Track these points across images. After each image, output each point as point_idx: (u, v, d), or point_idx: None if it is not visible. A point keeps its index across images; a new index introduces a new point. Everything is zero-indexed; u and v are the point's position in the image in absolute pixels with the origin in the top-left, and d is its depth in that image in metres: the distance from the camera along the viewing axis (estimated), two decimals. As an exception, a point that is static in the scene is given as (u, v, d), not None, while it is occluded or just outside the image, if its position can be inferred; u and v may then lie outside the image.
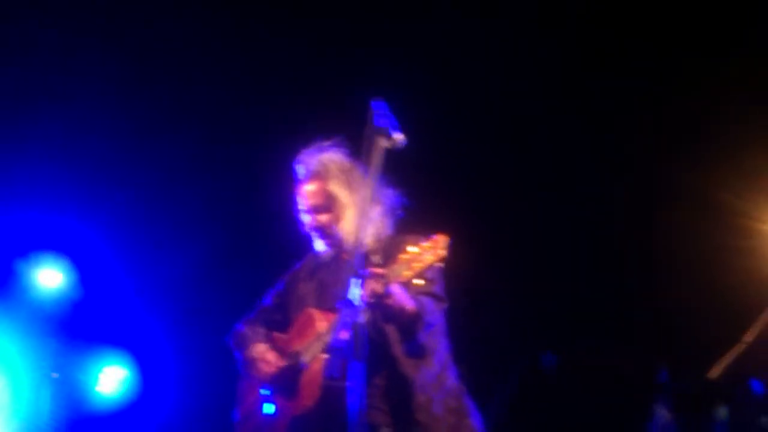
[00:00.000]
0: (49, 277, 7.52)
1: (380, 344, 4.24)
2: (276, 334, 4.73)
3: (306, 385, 4.32)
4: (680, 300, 6.67)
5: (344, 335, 3.73)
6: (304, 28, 7.39)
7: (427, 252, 4.00)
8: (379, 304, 4.02)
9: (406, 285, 4.08)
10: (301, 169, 4.70)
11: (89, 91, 7.42)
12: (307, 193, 4.65)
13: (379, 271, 4.02)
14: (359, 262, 3.80)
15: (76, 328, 7.59)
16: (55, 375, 7.34)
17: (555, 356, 6.57)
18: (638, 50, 7.05)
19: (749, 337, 5.25)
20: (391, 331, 4.26)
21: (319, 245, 4.68)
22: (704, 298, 6.65)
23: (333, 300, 4.24)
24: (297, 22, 7.39)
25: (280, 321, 4.78)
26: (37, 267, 7.51)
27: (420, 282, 4.08)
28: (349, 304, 3.74)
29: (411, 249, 4.02)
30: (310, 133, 7.36)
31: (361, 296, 3.82)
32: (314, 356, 4.29)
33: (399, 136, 3.95)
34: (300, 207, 4.70)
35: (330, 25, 7.32)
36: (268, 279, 7.64)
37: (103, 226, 7.56)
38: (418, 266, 4.00)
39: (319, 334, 4.33)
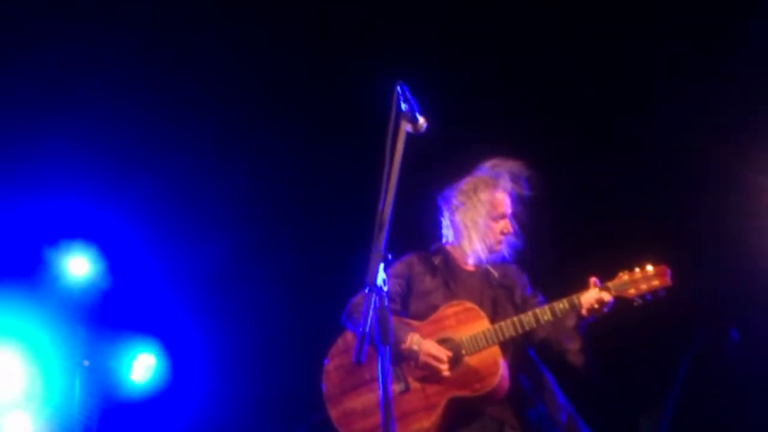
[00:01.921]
0: (78, 266, 7.57)
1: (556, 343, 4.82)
2: (411, 321, 4.89)
3: (471, 373, 4.67)
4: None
5: (372, 320, 3.76)
6: (324, 13, 7.38)
7: (654, 278, 4.66)
8: (599, 311, 4.67)
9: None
10: (524, 185, 5.09)
11: (119, 81, 7.44)
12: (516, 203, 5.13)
13: (610, 283, 4.69)
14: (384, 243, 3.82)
15: (106, 317, 7.63)
16: (86, 363, 7.38)
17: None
18: (668, 27, 7.01)
19: None
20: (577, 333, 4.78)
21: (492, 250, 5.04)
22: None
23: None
24: (316, 8, 7.38)
25: (395, 310, 4.90)
26: (66, 255, 7.56)
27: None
28: (378, 289, 3.75)
29: (636, 270, 4.68)
30: (332, 121, 7.40)
31: (588, 302, 4.63)
32: (480, 348, 4.70)
33: (422, 120, 3.96)
34: (506, 211, 5.07)
35: (349, 10, 7.30)
36: (295, 268, 7.71)
37: (132, 215, 7.59)
38: (644, 288, 4.66)
39: (485, 329, 4.71)
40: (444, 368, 4.65)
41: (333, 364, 4.93)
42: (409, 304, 4.97)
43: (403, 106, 3.94)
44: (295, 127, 7.69)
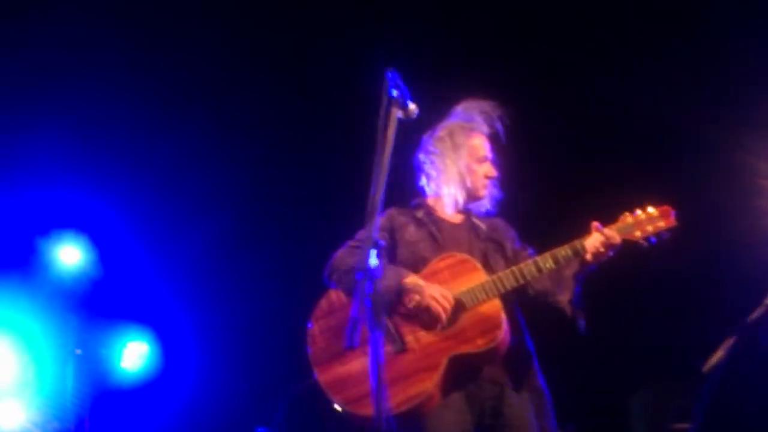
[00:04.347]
0: (70, 255, 7.57)
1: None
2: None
3: (472, 328, 4.43)
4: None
5: (364, 305, 3.74)
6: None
7: (658, 219, 4.46)
8: (604, 255, 4.43)
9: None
10: (500, 125, 4.89)
11: (109, 70, 7.44)
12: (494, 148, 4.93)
13: (613, 226, 4.47)
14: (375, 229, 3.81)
15: (98, 305, 7.64)
16: (78, 351, 7.38)
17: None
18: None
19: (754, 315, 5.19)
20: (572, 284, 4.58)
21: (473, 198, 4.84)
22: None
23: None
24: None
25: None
26: (57, 245, 7.56)
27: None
28: (369, 273, 3.75)
29: (639, 213, 4.48)
30: (321, 108, 7.39)
31: (593, 245, 4.40)
32: (479, 301, 4.45)
33: (413, 107, 3.98)
34: (487, 155, 4.88)
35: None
36: (285, 253, 7.72)
37: (122, 204, 7.60)
38: (649, 230, 4.46)
39: (484, 281, 4.48)
40: (444, 315, 4.41)
41: (318, 327, 4.63)
42: (395, 255, 4.69)
43: (394, 92, 3.95)
44: (284, 112, 7.70)
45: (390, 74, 3.94)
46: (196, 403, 7.77)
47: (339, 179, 7.11)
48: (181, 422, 7.76)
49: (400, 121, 3.94)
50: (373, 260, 3.76)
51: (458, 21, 7.33)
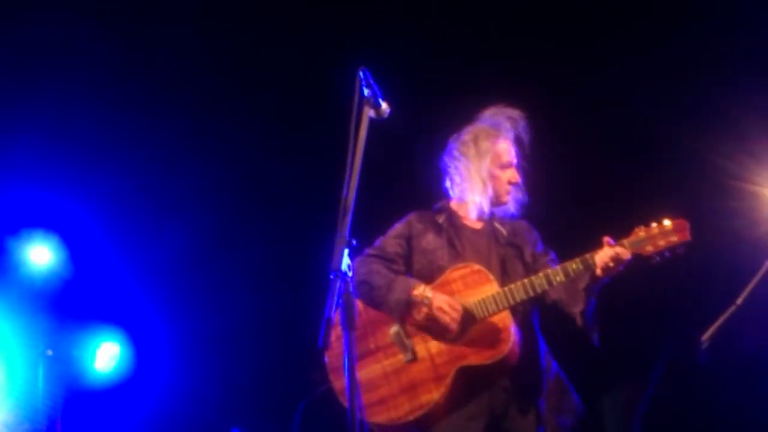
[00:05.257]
0: (40, 255, 7.53)
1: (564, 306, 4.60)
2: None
3: (481, 340, 4.46)
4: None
5: (337, 306, 3.74)
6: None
7: (672, 233, 4.37)
8: (614, 269, 4.40)
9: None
10: (524, 131, 4.90)
11: (81, 69, 7.40)
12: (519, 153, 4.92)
13: (626, 241, 4.41)
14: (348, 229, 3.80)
15: (69, 306, 7.60)
16: (49, 352, 7.34)
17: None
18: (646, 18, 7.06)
19: (740, 299, 5.19)
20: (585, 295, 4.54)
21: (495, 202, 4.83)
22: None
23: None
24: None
25: (398, 271, 4.75)
26: (27, 244, 7.51)
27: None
28: (343, 275, 3.74)
29: (653, 226, 4.39)
30: (296, 108, 7.37)
31: (603, 260, 4.34)
32: (490, 313, 4.47)
33: (384, 106, 3.97)
34: (512, 160, 4.87)
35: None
36: (258, 255, 7.71)
37: (93, 203, 7.57)
38: (662, 244, 4.38)
39: (495, 293, 4.49)
40: (453, 326, 4.45)
41: (335, 334, 4.41)
42: (412, 263, 4.77)
43: (366, 91, 3.94)
44: (257, 115, 7.69)
45: (362, 73, 3.94)
46: (169, 404, 7.75)
47: (316, 179, 7.09)
48: (154, 423, 7.74)
49: (372, 121, 3.94)
50: (346, 260, 3.75)
51: (440, 21, 7.33)
